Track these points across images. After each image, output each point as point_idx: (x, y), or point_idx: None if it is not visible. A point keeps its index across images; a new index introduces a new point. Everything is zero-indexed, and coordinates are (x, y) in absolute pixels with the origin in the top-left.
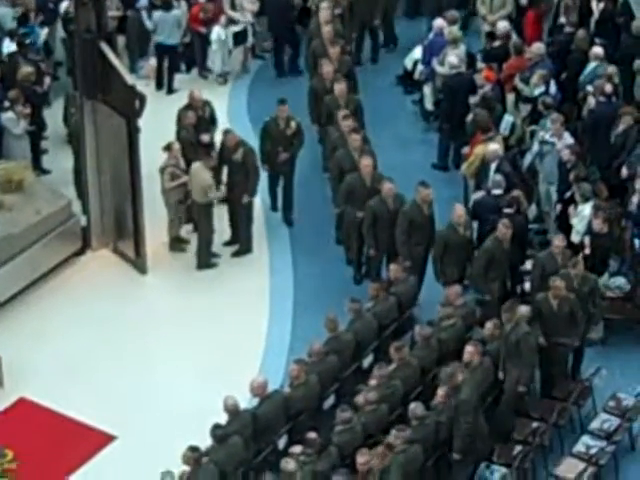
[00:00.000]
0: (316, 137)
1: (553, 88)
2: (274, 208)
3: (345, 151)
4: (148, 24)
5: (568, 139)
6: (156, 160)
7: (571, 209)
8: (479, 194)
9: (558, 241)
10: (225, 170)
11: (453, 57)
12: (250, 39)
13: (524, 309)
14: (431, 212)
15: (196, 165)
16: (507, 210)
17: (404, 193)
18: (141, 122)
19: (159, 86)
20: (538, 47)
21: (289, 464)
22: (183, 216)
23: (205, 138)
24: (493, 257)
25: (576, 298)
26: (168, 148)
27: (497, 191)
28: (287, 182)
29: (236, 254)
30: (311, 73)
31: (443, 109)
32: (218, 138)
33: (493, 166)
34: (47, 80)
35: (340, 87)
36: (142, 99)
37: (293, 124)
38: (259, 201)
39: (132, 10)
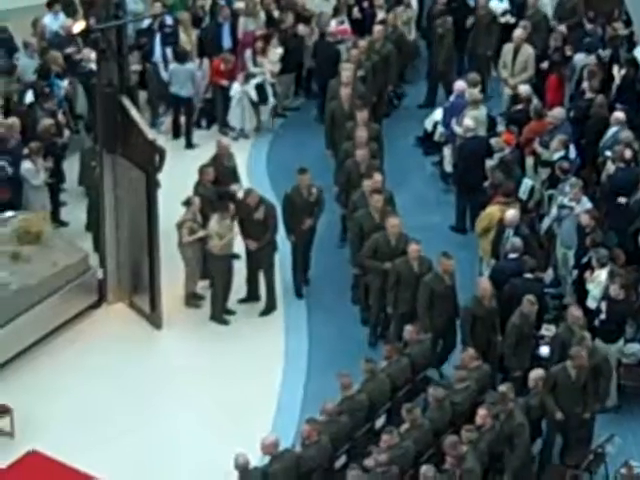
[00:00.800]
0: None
1: (573, 153)
2: (298, 292)
3: (366, 211)
4: (164, 75)
5: (587, 204)
6: (172, 215)
7: (587, 274)
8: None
9: (575, 311)
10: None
11: (468, 119)
12: (271, 99)
13: (538, 373)
14: (453, 282)
15: (214, 217)
16: (528, 275)
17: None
18: (159, 176)
19: (175, 136)
20: (559, 111)
21: None
22: (199, 272)
23: (234, 188)
24: (521, 332)
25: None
26: (187, 203)
27: (514, 254)
28: (307, 247)
29: (264, 313)
30: (329, 132)
31: (458, 171)
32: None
33: (511, 231)
34: (67, 132)
35: (362, 153)
36: (162, 154)
37: (314, 191)
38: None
39: (150, 64)
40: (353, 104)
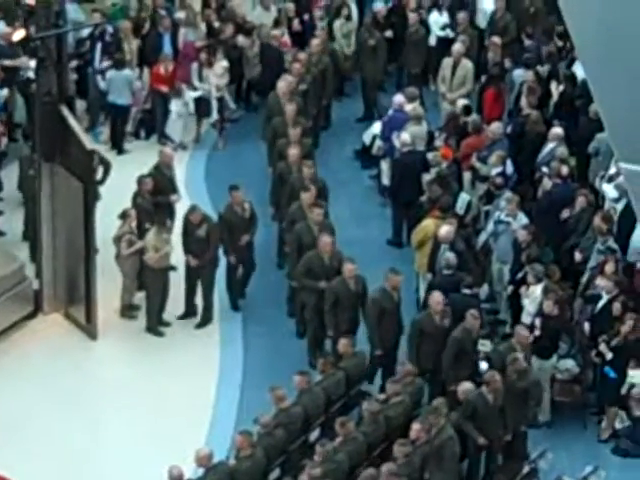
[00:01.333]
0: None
1: (510, 168)
2: (234, 305)
3: (305, 224)
4: (101, 85)
5: (523, 219)
6: (108, 225)
7: (523, 290)
8: (430, 276)
9: (522, 331)
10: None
11: (406, 134)
12: (214, 114)
13: (467, 386)
14: (399, 299)
15: (151, 230)
16: (466, 291)
17: (359, 267)
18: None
19: (114, 146)
20: (497, 126)
21: None
22: (137, 284)
23: (174, 198)
24: (463, 347)
25: (513, 404)
26: (124, 216)
27: (448, 271)
28: (249, 267)
29: (199, 325)
30: (270, 150)
31: (395, 185)
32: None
33: (444, 247)
34: (4, 140)
35: (307, 169)
36: (107, 166)
37: (247, 206)
38: None
39: (90, 73)
40: (296, 121)
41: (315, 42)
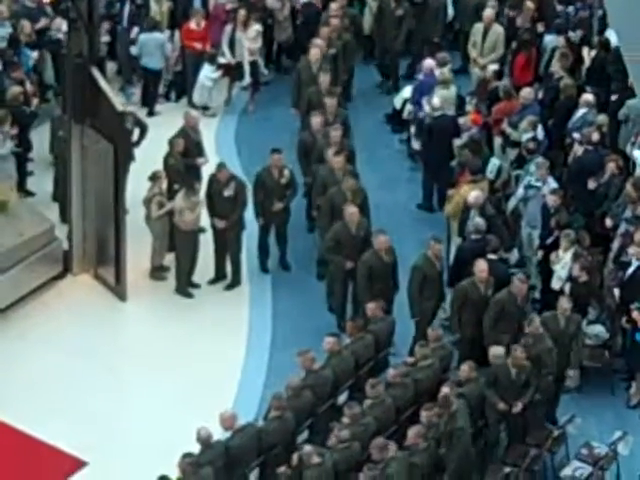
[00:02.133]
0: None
1: (541, 134)
2: (264, 267)
3: (337, 190)
4: (133, 50)
5: (552, 184)
6: (137, 186)
7: (553, 255)
8: (459, 239)
9: (565, 303)
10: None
11: (436, 99)
12: (247, 77)
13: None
14: (442, 267)
15: (180, 192)
16: (491, 256)
17: (387, 230)
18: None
19: (145, 107)
20: (529, 92)
21: None
22: (167, 245)
23: (200, 161)
24: (503, 310)
25: (532, 367)
26: (153, 178)
27: (476, 236)
28: (281, 232)
29: (228, 287)
30: (303, 119)
31: (426, 150)
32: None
33: (474, 212)
34: (35, 101)
35: (336, 133)
36: (143, 128)
37: (286, 173)
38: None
39: (121, 35)
40: (330, 91)
41: (334, 6)
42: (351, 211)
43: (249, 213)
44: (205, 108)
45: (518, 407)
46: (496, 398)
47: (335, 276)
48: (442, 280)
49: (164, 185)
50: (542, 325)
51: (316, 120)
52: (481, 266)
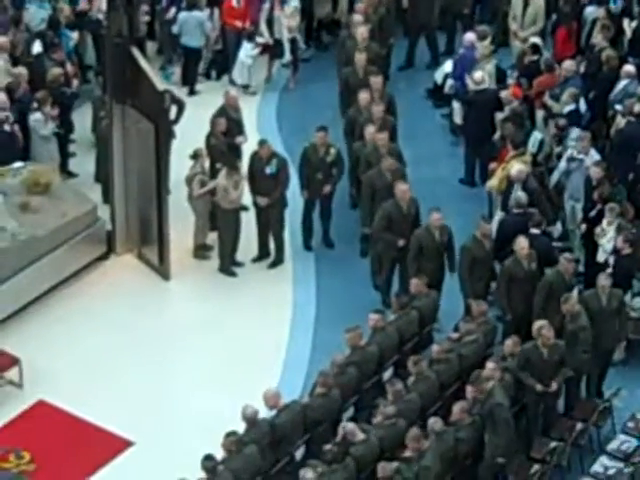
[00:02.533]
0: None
1: (583, 106)
2: (307, 245)
3: (377, 170)
4: (174, 28)
5: (595, 156)
6: (179, 165)
7: (598, 229)
8: (502, 214)
9: (603, 280)
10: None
11: (478, 73)
12: (287, 55)
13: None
14: (491, 247)
15: (222, 171)
16: (534, 230)
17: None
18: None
19: (186, 87)
20: (571, 64)
21: (307, 474)
22: (209, 224)
23: (240, 140)
24: (552, 290)
25: (565, 345)
26: (195, 156)
27: (518, 210)
28: (325, 208)
29: (272, 265)
30: (343, 99)
31: (468, 124)
32: (245, 147)
33: (517, 186)
34: (75, 82)
35: (378, 109)
36: (181, 106)
37: (333, 151)
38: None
39: (160, 14)
40: (368, 70)
41: None
42: (403, 188)
43: (292, 190)
44: (246, 86)
45: (554, 387)
46: (531, 380)
47: (384, 254)
48: (491, 260)
49: (206, 164)
50: (582, 303)
51: (363, 96)
52: (521, 243)
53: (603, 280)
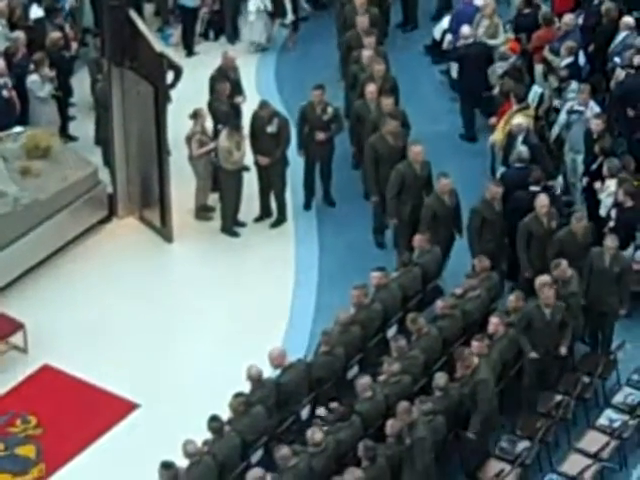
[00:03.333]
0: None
1: (582, 59)
2: (308, 204)
3: (379, 135)
4: None
5: (595, 108)
6: (179, 126)
7: (598, 184)
8: (503, 168)
9: (610, 242)
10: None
11: (466, 27)
12: (290, 15)
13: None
14: (501, 209)
15: (223, 132)
16: (533, 188)
17: (433, 164)
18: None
19: (188, 50)
20: (570, 18)
21: (316, 434)
22: (210, 185)
23: (238, 100)
24: (563, 249)
25: (565, 306)
26: (195, 116)
27: (520, 164)
28: (325, 167)
29: (274, 225)
30: (344, 62)
31: (460, 79)
32: (245, 107)
33: (519, 138)
34: (74, 45)
35: (379, 68)
36: (178, 71)
37: (330, 110)
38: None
39: None
40: (369, 32)
41: None
42: (416, 150)
43: (293, 150)
44: (256, 44)
45: (563, 350)
46: (528, 346)
47: (402, 220)
48: (501, 222)
49: (207, 123)
50: (587, 259)
51: (366, 54)
52: (542, 201)
53: (610, 241)
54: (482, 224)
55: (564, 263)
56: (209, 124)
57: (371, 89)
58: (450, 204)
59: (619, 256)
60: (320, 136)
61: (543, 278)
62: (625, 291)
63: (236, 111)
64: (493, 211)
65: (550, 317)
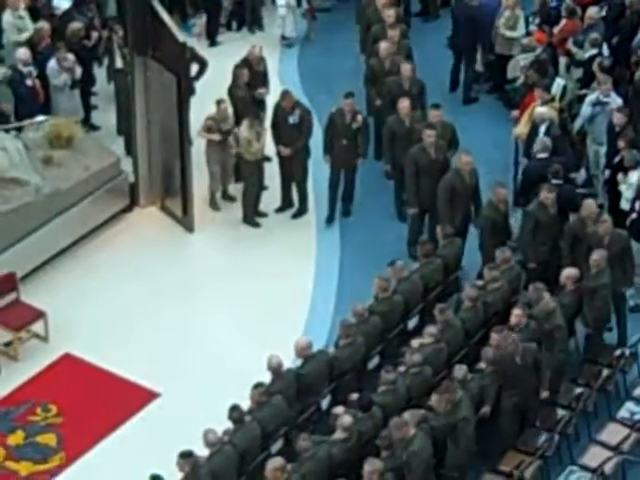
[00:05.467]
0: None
1: (606, 52)
2: (331, 217)
3: (420, 147)
4: None
5: (618, 100)
6: (203, 117)
7: (620, 176)
8: (526, 160)
9: (597, 255)
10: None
11: None
12: (304, 3)
13: (571, 272)
14: (556, 210)
15: (244, 122)
16: (555, 181)
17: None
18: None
19: (211, 41)
20: (595, 11)
21: (345, 417)
22: (226, 174)
23: (261, 91)
24: (576, 236)
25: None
26: (218, 103)
27: (543, 154)
28: (350, 175)
29: (295, 216)
30: (364, 38)
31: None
32: (269, 98)
33: (542, 129)
34: (95, 34)
35: (406, 67)
36: (203, 63)
37: (359, 118)
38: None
39: None
40: (385, 5)
41: None
42: (466, 160)
43: (315, 140)
44: (284, 38)
45: (544, 395)
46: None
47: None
48: (509, 223)
49: (228, 111)
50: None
51: (384, 46)
52: (547, 192)
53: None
54: (535, 227)
55: (601, 252)
56: (230, 118)
57: (405, 104)
58: (470, 183)
59: (616, 235)
60: (360, 161)
61: (569, 272)
62: (629, 269)
63: (259, 103)
64: (548, 214)
65: (521, 362)
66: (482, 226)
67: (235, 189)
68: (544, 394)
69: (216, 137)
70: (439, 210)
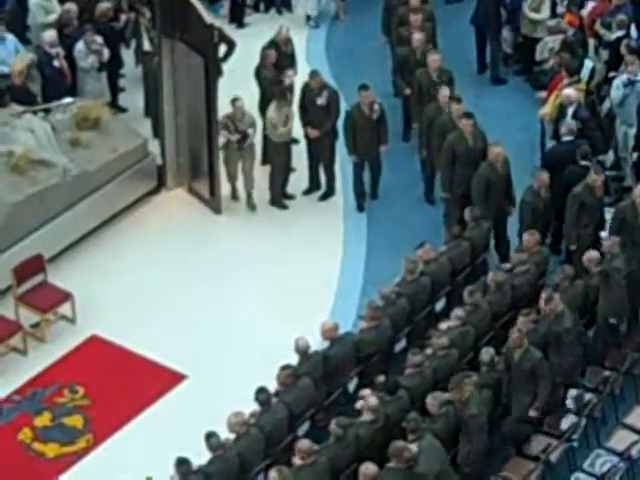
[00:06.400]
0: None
1: (634, 33)
2: (361, 206)
3: (459, 134)
4: None
5: None
6: (230, 98)
7: None
8: (553, 142)
9: (610, 241)
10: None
11: None
12: None
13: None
14: (602, 195)
15: (272, 104)
16: (583, 162)
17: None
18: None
19: (234, 20)
20: None
21: (371, 399)
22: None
23: (289, 73)
24: (583, 204)
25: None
26: (232, 102)
27: (568, 137)
28: (375, 166)
29: (322, 198)
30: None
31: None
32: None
33: (570, 111)
34: (123, 17)
35: (433, 57)
36: (231, 44)
37: (376, 107)
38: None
39: None
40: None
41: None
42: (497, 151)
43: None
44: (309, 18)
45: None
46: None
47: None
48: (551, 211)
49: (244, 109)
50: (618, 213)
51: (417, 37)
52: (594, 175)
53: (638, 190)
54: (580, 209)
55: (614, 239)
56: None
57: (444, 93)
58: (502, 173)
59: None
60: (382, 149)
61: (591, 255)
62: None
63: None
64: (594, 197)
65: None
66: (522, 213)
67: (263, 171)
68: (532, 413)
69: (234, 137)
70: (474, 204)
